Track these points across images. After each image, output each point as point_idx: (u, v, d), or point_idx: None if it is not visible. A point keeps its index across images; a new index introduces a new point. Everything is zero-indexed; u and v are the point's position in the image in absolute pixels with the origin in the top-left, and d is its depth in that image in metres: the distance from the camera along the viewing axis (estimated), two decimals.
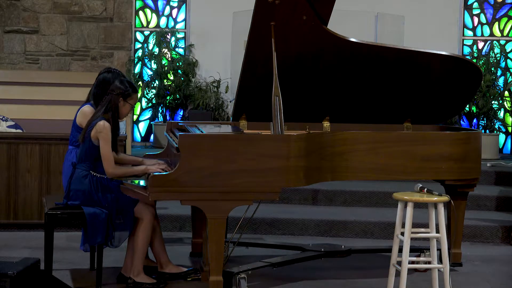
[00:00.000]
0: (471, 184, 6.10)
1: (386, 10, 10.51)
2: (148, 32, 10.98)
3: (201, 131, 5.56)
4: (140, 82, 10.67)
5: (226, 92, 10.74)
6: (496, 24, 11.08)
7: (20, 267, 4.98)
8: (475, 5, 11.11)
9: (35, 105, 9.17)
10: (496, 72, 10.48)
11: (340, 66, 6.08)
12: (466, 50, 11.04)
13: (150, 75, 10.68)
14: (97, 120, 5.35)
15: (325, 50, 5.95)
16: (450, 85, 6.27)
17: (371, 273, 6.04)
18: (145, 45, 10.93)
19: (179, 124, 6.23)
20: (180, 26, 11.07)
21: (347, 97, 6.25)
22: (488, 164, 9.01)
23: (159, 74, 10.53)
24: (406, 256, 5.04)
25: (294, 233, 7.33)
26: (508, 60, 10.94)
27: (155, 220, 5.60)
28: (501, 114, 10.69)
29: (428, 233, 5.25)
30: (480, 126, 10.38)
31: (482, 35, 11.09)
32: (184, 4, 11.05)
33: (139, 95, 10.86)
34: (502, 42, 11.00)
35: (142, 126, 11.01)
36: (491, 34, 11.08)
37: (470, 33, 11.11)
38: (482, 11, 11.09)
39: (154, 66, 10.65)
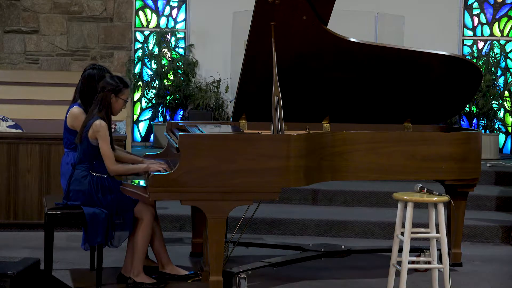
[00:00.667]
0: (471, 184, 6.10)
1: (386, 10, 10.51)
2: (148, 32, 10.98)
3: (201, 131, 5.56)
4: (140, 82, 10.68)
5: (226, 92, 10.74)
6: (496, 24, 11.08)
7: (20, 267, 4.98)
8: (475, 5, 11.11)
9: (35, 105, 9.17)
10: (496, 72, 10.48)
11: (340, 66, 6.08)
12: (466, 50, 11.04)
13: (150, 75, 10.68)
14: (93, 119, 5.33)
15: (325, 50, 5.94)
16: (450, 85, 6.27)
17: (371, 273, 6.04)
18: (145, 45, 10.93)
19: (179, 124, 6.23)
20: (180, 26, 11.07)
21: (347, 97, 6.25)
22: (488, 164, 9.01)
23: (159, 74, 10.53)
24: (406, 256, 5.04)
25: (294, 233, 7.33)
26: (508, 60, 10.94)
27: (155, 220, 5.60)
28: (501, 114, 10.69)
29: (428, 233, 5.24)
30: (480, 126, 10.38)
31: (482, 35, 11.09)
32: (184, 4, 11.05)
33: (139, 95, 10.88)
34: (502, 42, 11.00)
35: (142, 126, 11.01)
36: (491, 34, 11.08)
37: (470, 33, 11.11)
38: (482, 11, 11.09)
39: (154, 66, 10.65)
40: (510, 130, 10.92)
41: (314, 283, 5.73)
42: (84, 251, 5.66)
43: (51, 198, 5.65)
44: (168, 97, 10.56)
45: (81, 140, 5.38)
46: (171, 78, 10.61)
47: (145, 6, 11.05)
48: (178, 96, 10.50)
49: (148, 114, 10.93)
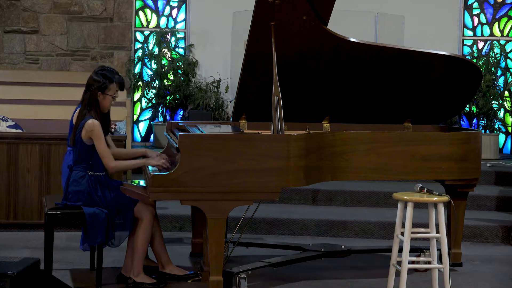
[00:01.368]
0: (471, 184, 6.10)
1: (386, 10, 10.51)
2: (148, 32, 10.98)
3: (201, 131, 5.56)
4: (140, 82, 10.68)
5: (226, 92, 10.74)
6: (496, 24, 11.09)
7: (20, 267, 4.98)
8: (475, 5, 11.11)
9: (35, 105, 9.17)
10: (496, 72, 10.48)
11: (340, 66, 6.08)
12: (466, 50, 11.04)
13: (150, 75, 10.68)
14: (85, 119, 5.32)
15: (325, 50, 5.94)
16: (450, 85, 6.27)
17: (371, 273, 6.04)
18: (145, 45, 10.93)
19: (179, 124, 6.23)
20: (180, 26, 11.07)
21: (347, 97, 6.25)
22: (488, 164, 9.01)
23: (159, 74, 10.53)
24: (406, 256, 5.04)
25: (294, 233, 7.33)
26: (508, 60, 10.94)
27: (155, 220, 5.60)
28: (501, 114, 10.69)
29: (428, 233, 5.24)
30: (480, 126, 10.39)
31: (482, 35, 11.09)
32: (184, 4, 11.05)
33: (139, 95, 10.88)
34: (502, 42, 11.00)
35: (142, 126, 11.01)
36: (491, 34, 11.08)
37: (470, 33, 11.11)
38: (482, 11, 11.09)
39: (154, 66, 10.65)
40: (510, 130, 10.92)
41: (314, 283, 5.73)
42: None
43: (51, 198, 5.64)
44: (168, 97, 10.56)
45: (75, 142, 5.36)
46: (171, 78, 10.61)
47: (145, 6, 11.05)
48: (178, 96, 10.50)
49: (148, 114, 10.94)
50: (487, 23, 11.09)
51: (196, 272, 5.71)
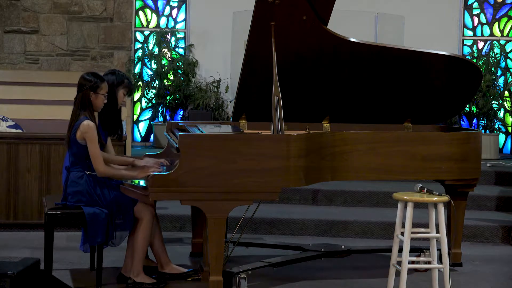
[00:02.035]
0: (471, 184, 6.09)
1: (386, 10, 10.51)
2: (148, 32, 10.98)
3: (201, 131, 5.56)
4: (140, 82, 10.68)
5: (226, 92, 10.74)
6: (496, 24, 11.09)
7: (20, 267, 4.98)
8: (475, 5, 11.11)
9: (35, 105, 9.16)
10: (496, 72, 10.48)
11: (340, 66, 6.08)
12: (466, 50, 11.04)
13: (150, 75, 10.68)
14: (80, 120, 5.31)
15: (325, 50, 5.94)
16: (450, 85, 6.27)
17: (371, 273, 6.04)
18: (145, 45, 10.93)
19: (179, 124, 6.23)
20: (180, 26, 11.07)
21: (347, 97, 6.25)
22: (488, 164, 9.01)
23: (159, 74, 10.53)
24: (406, 256, 5.04)
25: (294, 233, 7.33)
26: (508, 60, 10.95)
27: (155, 220, 5.59)
28: (501, 114, 10.69)
29: (428, 233, 5.24)
30: (480, 126, 10.39)
31: (482, 35, 11.09)
32: (184, 4, 11.05)
33: (139, 95, 10.88)
34: (502, 42, 11.00)
35: (142, 126, 11.01)
36: (491, 34, 11.08)
37: (470, 33, 11.11)
38: (482, 11, 11.09)
39: (154, 66, 10.66)
40: (510, 130, 10.93)
41: (314, 283, 5.73)
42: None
43: (51, 198, 5.64)
44: (168, 97, 10.56)
45: (70, 144, 5.35)
46: (171, 78, 10.61)
47: (145, 6, 11.05)
48: (178, 96, 10.50)
49: (148, 114, 10.94)
50: (487, 23, 11.09)
51: (195, 269, 5.71)
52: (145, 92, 10.70)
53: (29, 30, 10.56)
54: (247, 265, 5.64)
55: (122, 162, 5.63)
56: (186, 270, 5.69)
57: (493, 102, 10.39)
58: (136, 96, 10.92)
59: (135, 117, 10.92)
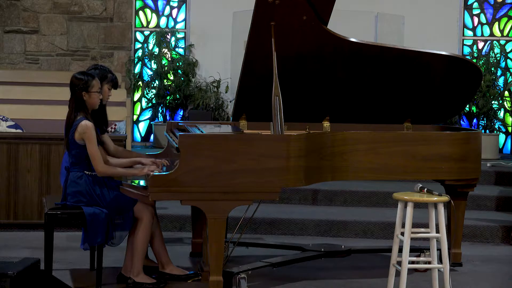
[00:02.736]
0: (471, 184, 6.10)
1: (386, 10, 10.51)
2: (148, 32, 10.98)
3: (201, 131, 5.56)
4: (140, 82, 10.68)
5: (226, 92, 10.74)
6: (496, 24, 11.09)
7: (20, 267, 4.98)
8: (475, 5, 11.11)
9: (35, 105, 9.17)
10: (496, 72, 10.49)
11: (340, 66, 6.08)
12: (466, 50, 11.04)
13: (150, 75, 10.68)
14: (77, 121, 5.31)
15: (325, 50, 5.94)
16: (450, 85, 6.27)
17: (371, 273, 6.04)
18: (145, 45, 10.93)
19: (179, 124, 6.23)
20: (180, 26, 11.07)
21: (347, 97, 6.25)
22: (488, 164, 9.01)
23: (159, 74, 10.53)
24: (406, 256, 5.04)
25: (294, 233, 7.33)
26: (508, 60, 10.95)
27: (155, 220, 5.59)
28: (501, 114, 10.69)
29: (428, 233, 5.24)
30: (480, 126, 10.39)
31: (482, 35, 11.09)
32: (184, 4, 11.05)
33: (139, 95, 10.88)
34: (502, 42, 11.00)
35: (142, 126, 11.02)
36: (491, 34, 11.08)
37: (470, 33, 11.11)
38: (482, 11, 11.09)
39: (154, 66, 10.66)
40: (510, 130, 10.92)
41: (314, 283, 5.73)
42: (84, 251, 5.66)
43: (51, 198, 5.64)
44: (168, 97, 10.56)
45: (68, 146, 5.35)
46: (171, 78, 10.61)
47: (145, 6, 11.05)
48: (178, 96, 10.50)
49: (148, 114, 10.94)
50: (487, 23, 11.09)
51: (196, 272, 5.71)
52: (145, 92, 10.70)
53: (29, 30, 10.57)
54: (247, 265, 5.64)
55: (130, 162, 5.62)
56: (187, 272, 5.68)
57: (493, 102, 10.39)
58: (136, 96, 10.92)
59: (135, 117, 10.92)
